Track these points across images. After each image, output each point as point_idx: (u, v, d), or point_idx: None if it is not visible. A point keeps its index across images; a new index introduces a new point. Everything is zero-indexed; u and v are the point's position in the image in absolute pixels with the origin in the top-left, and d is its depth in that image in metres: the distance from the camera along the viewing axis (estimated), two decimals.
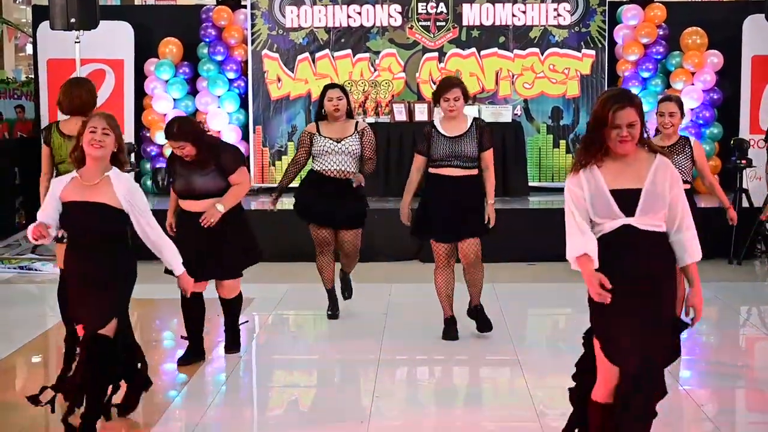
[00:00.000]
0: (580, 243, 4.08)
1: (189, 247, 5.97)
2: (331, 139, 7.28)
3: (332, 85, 7.62)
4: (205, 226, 6.19)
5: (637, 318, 4.08)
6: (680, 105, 6.61)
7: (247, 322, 6.95)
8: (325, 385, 6.56)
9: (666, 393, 4.20)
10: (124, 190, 4.96)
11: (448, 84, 6.84)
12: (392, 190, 10.99)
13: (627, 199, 4.05)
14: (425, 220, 6.94)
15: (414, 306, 7.86)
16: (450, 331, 7.00)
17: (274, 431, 5.60)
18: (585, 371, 4.44)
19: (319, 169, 7.35)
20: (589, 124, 4.19)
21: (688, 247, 4.13)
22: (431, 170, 6.89)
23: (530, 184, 11.58)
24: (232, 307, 6.70)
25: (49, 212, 5.01)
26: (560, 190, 11.76)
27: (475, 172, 6.85)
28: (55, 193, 5.01)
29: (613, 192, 4.06)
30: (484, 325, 7.05)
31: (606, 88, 11.79)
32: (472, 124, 6.83)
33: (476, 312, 7.09)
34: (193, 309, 6.46)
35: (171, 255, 5.26)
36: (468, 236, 6.84)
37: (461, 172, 6.80)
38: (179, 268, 5.29)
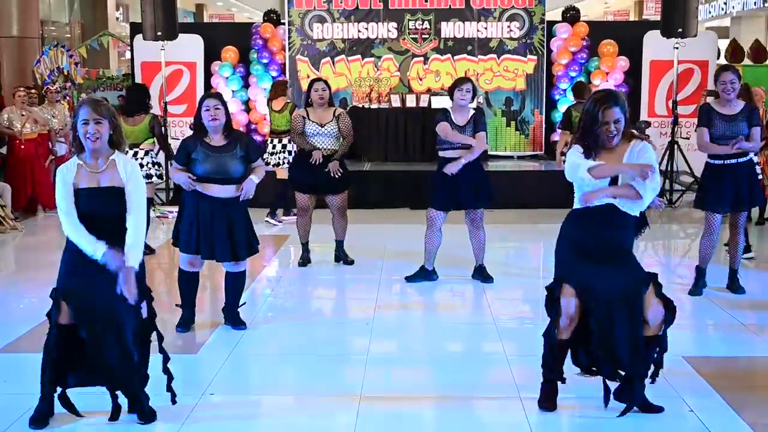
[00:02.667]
0: (585, 164, 3.77)
1: (205, 229, 5.07)
2: (316, 123, 6.65)
3: (317, 79, 6.93)
4: (244, 199, 5.09)
5: (610, 267, 3.82)
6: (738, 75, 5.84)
7: (244, 303, 5.52)
8: (341, 296, 6.58)
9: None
10: (128, 170, 3.78)
11: (462, 80, 6.35)
12: (390, 156, 11.26)
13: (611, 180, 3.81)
14: (438, 194, 6.33)
15: (405, 241, 7.83)
16: (417, 276, 6.51)
17: (303, 324, 5.57)
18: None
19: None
20: (581, 120, 3.86)
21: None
22: (440, 153, 6.27)
23: (489, 153, 11.50)
24: (238, 283, 5.33)
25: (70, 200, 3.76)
26: (511, 158, 11.85)
27: None
28: (67, 181, 3.74)
29: None
30: (486, 278, 6.52)
31: (545, 85, 11.73)
32: (472, 115, 6.27)
33: (480, 270, 6.54)
34: (189, 282, 5.31)
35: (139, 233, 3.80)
36: (477, 207, 6.37)
37: (463, 153, 6.22)
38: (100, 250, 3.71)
